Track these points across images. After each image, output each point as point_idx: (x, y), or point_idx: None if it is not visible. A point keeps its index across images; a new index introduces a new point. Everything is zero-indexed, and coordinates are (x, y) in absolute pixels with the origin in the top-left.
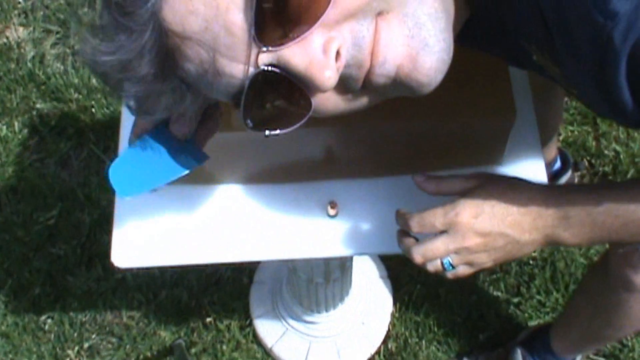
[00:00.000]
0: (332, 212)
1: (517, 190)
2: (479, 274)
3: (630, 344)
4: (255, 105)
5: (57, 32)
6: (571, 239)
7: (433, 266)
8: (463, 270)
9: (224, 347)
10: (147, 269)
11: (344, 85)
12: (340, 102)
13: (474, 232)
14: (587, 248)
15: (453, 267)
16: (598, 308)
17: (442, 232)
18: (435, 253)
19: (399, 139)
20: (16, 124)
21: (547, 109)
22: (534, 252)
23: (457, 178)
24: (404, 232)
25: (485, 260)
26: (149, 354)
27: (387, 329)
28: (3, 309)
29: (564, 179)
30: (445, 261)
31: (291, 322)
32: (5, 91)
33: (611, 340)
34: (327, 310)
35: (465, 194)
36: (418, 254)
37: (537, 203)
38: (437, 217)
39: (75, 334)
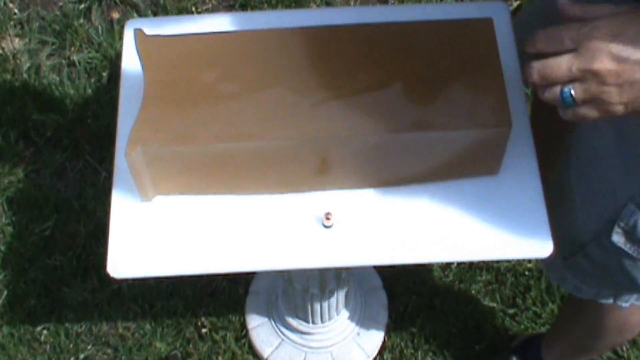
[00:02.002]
0: (327, 222)
1: None
2: (472, 284)
3: (626, 355)
4: None
5: (53, 43)
6: None
7: (550, 93)
8: (586, 111)
9: (220, 358)
10: (143, 279)
11: None
12: None
13: (608, 52)
14: None
15: (573, 101)
16: (576, 317)
17: (571, 51)
18: (556, 71)
19: (394, 151)
20: (12, 134)
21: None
22: None
23: (607, 4)
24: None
25: (614, 99)
26: None
27: (382, 339)
28: None
29: None
30: (565, 90)
31: (287, 333)
32: (1, 102)
33: (592, 352)
34: (322, 321)
35: None
36: (535, 70)
37: None
38: (568, 29)
39: (71, 345)
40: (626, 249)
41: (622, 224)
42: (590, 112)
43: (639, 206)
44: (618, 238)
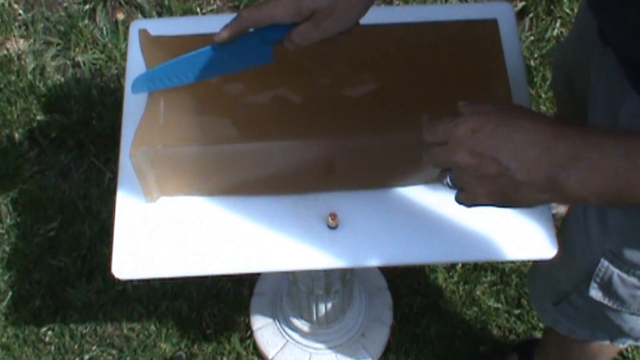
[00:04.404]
0: (332, 223)
1: (529, 119)
2: (477, 285)
3: (630, 355)
4: None
5: (58, 44)
6: (577, 187)
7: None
8: (465, 197)
9: (225, 358)
10: (148, 280)
11: None
12: None
13: (466, 148)
14: None
15: (453, 187)
16: (549, 335)
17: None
18: (435, 160)
19: (399, 150)
20: (16, 135)
21: None
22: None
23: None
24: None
25: (477, 190)
26: None
27: (387, 341)
28: (3, 320)
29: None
30: (445, 177)
31: (291, 334)
32: (6, 103)
33: None
34: (327, 322)
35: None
36: (425, 157)
37: (547, 136)
38: (441, 125)
39: (76, 346)
40: (605, 302)
41: (597, 279)
42: (467, 199)
43: (612, 262)
44: (596, 293)
